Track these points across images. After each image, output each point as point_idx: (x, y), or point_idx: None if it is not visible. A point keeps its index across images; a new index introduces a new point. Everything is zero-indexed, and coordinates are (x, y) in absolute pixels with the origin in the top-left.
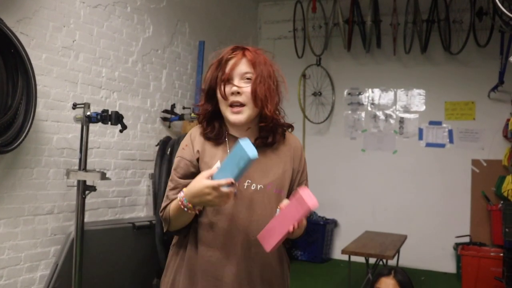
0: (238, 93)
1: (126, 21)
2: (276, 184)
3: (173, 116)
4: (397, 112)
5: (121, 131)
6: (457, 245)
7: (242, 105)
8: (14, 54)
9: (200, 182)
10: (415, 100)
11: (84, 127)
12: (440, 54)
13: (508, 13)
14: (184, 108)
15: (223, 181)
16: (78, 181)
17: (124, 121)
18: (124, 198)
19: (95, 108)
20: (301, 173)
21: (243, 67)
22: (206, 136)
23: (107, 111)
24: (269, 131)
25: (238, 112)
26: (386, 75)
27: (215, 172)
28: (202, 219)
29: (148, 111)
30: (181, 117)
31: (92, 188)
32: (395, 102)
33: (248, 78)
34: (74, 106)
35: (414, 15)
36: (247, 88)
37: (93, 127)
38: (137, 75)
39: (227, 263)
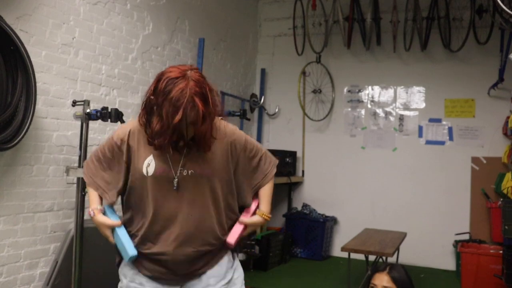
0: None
1: (126, 18)
2: (211, 171)
3: None
4: (397, 110)
5: None
6: (456, 243)
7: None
8: (13, 51)
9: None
10: (415, 98)
11: (84, 124)
12: (440, 51)
13: (508, 10)
14: None
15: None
16: (78, 178)
17: (124, 118)
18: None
19: (94, 105)
20: (246, 150)
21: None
22: (153, 145)
23: (106, 108)
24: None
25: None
26: (386, 73)
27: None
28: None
29: None
30: None
31: None
32: (395, 99)
33: (191, 121)
34: (74, 103)
35: (414, 13)
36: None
37: (93, 124)
38: (137, 72)
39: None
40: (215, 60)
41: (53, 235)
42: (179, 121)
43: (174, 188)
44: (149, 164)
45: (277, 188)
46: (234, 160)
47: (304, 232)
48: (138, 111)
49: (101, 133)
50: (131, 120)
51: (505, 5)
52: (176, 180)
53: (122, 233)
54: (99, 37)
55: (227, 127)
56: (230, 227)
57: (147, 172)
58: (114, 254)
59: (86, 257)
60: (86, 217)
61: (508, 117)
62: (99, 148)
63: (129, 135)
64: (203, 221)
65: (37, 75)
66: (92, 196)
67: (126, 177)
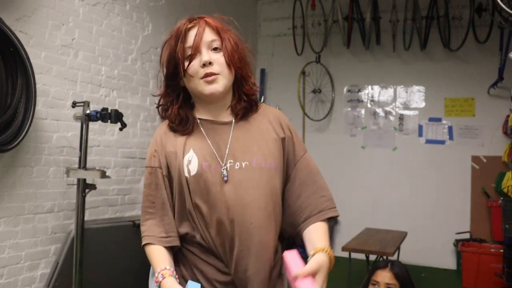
0: (210, 63)
1: (125, 19)
2: (264, 157)
3: None
4: (397, 109)
5: (120, 129)
6: (457, 242)
7: (215, 74)
8: (13, 53)
9: None
10: (414, 97)
11: (84, 125)
12: (439, 50)
13: (508, 9)
14: None
15: None
16: (78, 180)
17: (124, 119)
18: (124, 196)
19: (94, 106)
20: (293, 143)
21: (208, 35)
22: (173, 129)
23: (106, 109)
24: (243, 100)
25: (213, 81)
26: (385, 72)
27: None
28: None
29: (147, 109)
30: None
31: (92, 187)
32: (394, 99)
33: (215, 48)
34: (74, 104)
35: (413, 12)
36: (217, 57)
37: (93, 125)
38: (137, 73)
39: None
40: None
41: (54, 237)
42: (183, 46)
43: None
44: (189, 161)
45: None
46: (285, 151)
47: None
48: (138, 113)
49: (101, 134)
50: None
51: (504, 4)
52: (225, 175)
53: None
54: (99, 38)
55: (266, 107)
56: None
57: (188, 171)
58: (116, 254)
59: (86, 258)
60: (86, 218)
61: (508, 116)
62: (143, 193)
63: (157, 145)
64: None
65: (36, 77)
66: (155, 254)
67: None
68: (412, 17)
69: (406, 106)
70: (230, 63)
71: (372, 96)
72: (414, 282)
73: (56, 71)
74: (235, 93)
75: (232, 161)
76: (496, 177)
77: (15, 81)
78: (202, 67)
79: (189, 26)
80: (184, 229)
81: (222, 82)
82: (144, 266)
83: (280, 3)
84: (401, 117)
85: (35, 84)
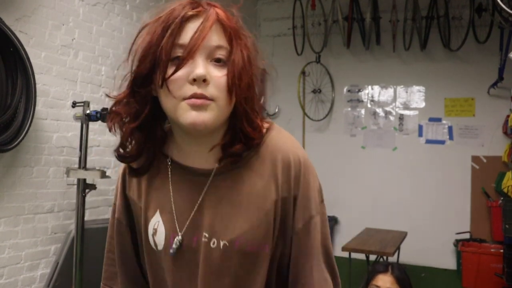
0: (204, 80)
1: (125, 19)
2: (251, 237)
3: None
4: (397, 109)
5: None
6: (457, 242)
7: (207, 99)
8: (13, 53)
9: None
10: (414, 97)
11: (84, 125)
12: (439, 50)
13: (508, 9)
14: None
15: None
16: (78, 180)
17: None
18: None
19: (94, 107)
20: (298, 205)
21: (214, 37)
22: (119, 157)
23: (106, 109)
24: (238, 141)
25: (201, 107)
26: (385, 72)
27: None
28: None
29: None
30: None
31: (92, 187)
32: (394, 99)
33: (218, 59)
34: (74, 104)
35: (413, 12)
36: (218, 74)
37: (93, 125)
38: None
39: None
40: None
41: (54, 237)
42: (172, 41)
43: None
44: (155, 231)
45: None
46: (283, 212)
47: None
48: None
49: (101, 134)
50: None
51: (504, 4)
52: (172, 249)
53: None
54: (99, 38)
55: (275, 138)
56: None
57: (155, 244)
58: None
59: (86, 258)
60: (86, 218)
61: (508, 116)
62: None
63: (123, 177)
64: None
65: (36, 77)
66: None
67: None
68: (412, 17)
69: (406, 106)
70: (232, 88)
71: (372, 96)
72: (414, 282)
73: (56, 71)
74: (230, 129)
75: (207, 235)
76: (496, 177)
77: (15, 81)
78: (192, 83)
79: (190, 14)
80: None
81: (213, 113)
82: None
83: (280, 3)
84: (401, 117)
85: (35, 84)
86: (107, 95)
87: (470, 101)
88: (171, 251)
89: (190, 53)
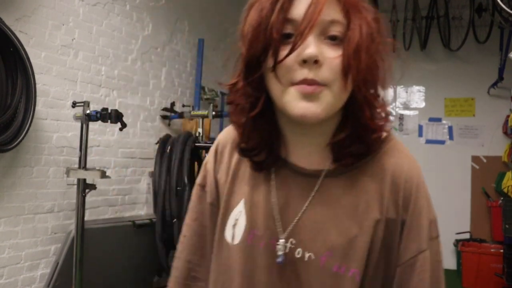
0: (316, 62)
1: (125, 19)
2: (341, 256)
3: (172, 114)
4: (397, 109)
5: (120, 129)
6: (457, 242)
7: (319, 84)
8: (13, 53)
9: None
10: (414, 97)
11: (84, 125)
12: (439, 50)
13: (508, 9)
14: (183, 106)
15: None
16: (78, 180)
17: (124, 119)
18: (124, 196)
19: (94, 107)
20: (405, 233)
21: (329, 10)
22: (243, 151)
23: (106, 109)
24: (356, 138)
25: (311, 95)
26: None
27: None
28: None
29: (147, 109)
30: (180, 115)
31: (92, 187)
32: (394, 98)
33: (333, 36)
34: (74, 104)
35: (413, 12)
36: (333, 54)
37: (93, 125)
38: (137, 73)
39: None
40: (215, 61)
41: (54, 237)
42: (282, 16)
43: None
44: (236, 221)
45: None
46: (386, 236)
47: None
48: (138, 113)
49: (101, 134)
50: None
51: (504, 4)
52: (280, 259)
53: None
54: (99, 38)
55: (390, 150)
56: None
57: (232, 236)
58: (117, 254)
59: (86, 258)
60: (86, 218)
61: (508, 116)
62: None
63: (216, 158)
64: None
65: (36, 77)
66: None
67: None
68: (412, 17)
69: (406, 106)
70: (349, 71)
71: None
72: None
73: (56, 71)
74: (346, 121)
75: (294, 241)
76: (496, 177)
77: (15, 81)
78: (301, 65)
79: None
80: None
81: (326, 102)
82: (144, 265)
83: None
84: (401, 117)
85: (35, 84)
86: (219, 83)
87: (470, 101)
88: (278, 259)
89: (305, 30)
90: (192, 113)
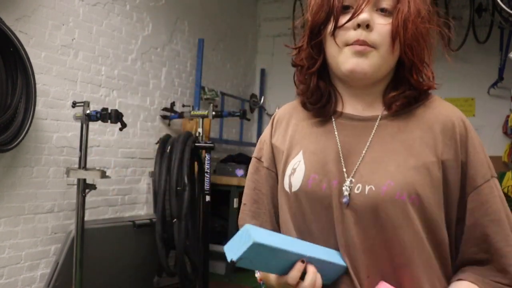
0: (368, 26)
1: (125, 19)
2: (401, 184)
3: (172, 114)
4: None
5: (120, 129)
6: None
7: (369, 46)
8: (13, 53)
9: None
10: None
11: (84, 125)
12: (439, 50)
13: (508, 9)
14: (183, 106)
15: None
16: (78, 180)
17: (124, 119)
18: (124, 196)
19: (94, 107)
20: (464, 171)
21: None
22: (306, 103)
23: (106, 109)
24: (405, 89)
25: (362, 53)
26: None
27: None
28: None
29: (147, 109)
30: (180, 115)
31: (92, 187)
32: None
33: (384, 9)
34: (74, 104)
35: None
36: (382, 22)
37: (93, 125)
38: (137, 73)
39: None
40: (215, 61)
41: (54, 237)
42: None
43: (342, 215)
44: (294, 170)
45: None
46: (446, 184)
47: None
48: (138, 113)
49: (101, 134)
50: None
51: (504, 4)
52: (346, 199)
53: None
54: (99, 38)
55: (438, 101)
56: None
57: (289, 185)
58: (117, 254)
59: (86, 258)
60: (86, 218)
61: (508, 116)
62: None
63: (273, 127)
64: None
65: (36, 77)
66: None
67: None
68: None
69: None
70: (396, 36)
71: None
72: None
73: (56, 71)
74: (396, 78)
75: (353, 180)
76: None
77: (15, 81)
78: (355, 28)
79: None
80: None
81: (373, 60)
82: (144, 265)
83: (280, 3)
84: None
85: (35, 84)
86: (286, 45)
87: (470, 101)
88: (344, 199)
89: (363, 3)
90: (192, 113)
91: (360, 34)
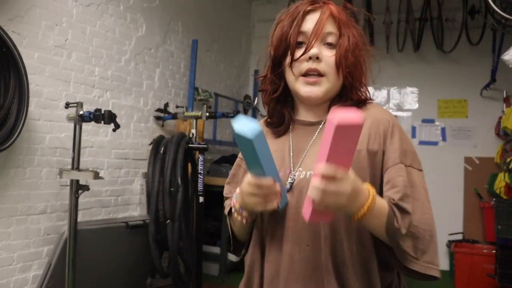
0: (317, 58)
1: (119, 19)
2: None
3: (166, 115)
4: (390, 110)
5: (114, 130)
6: (450, 243)
7: (320, 75)
8: (6, 53)
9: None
10: (408, 98)
11: (77, 126)
12: (432, 52)
13: (500, 11)
14: (177, 107)
15: (264, 180)
16: (71, 181)
17: (117, 120)
18: (117, 197)
19: (88, 107)
20: (385, 156)
21: (327, 25)
22: (268, 124)
23: (100, 110)
24: (347, 100)
25: (314, 83)
26: (379, 73)
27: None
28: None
29: (141, 110)
30: (174, 116)
31: (85, 188)
32: (388, 100)
33: (330, 43)
34: (67, 105)
35: (407, 14)
36: (329, 54)
37: (86, 126)
38: (130, 74)
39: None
40: (208, 62)
41: (47, 238)
42: (297, 29)
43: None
44: None
45: None
46: (373, 169)
47: None
48: (132, 113)
49: (94, 135)
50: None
51: (497, 6)
52: (289, 182)
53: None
54: (92, 39)
55: (372, 107)
56: None
57: None
58: (110, 255)
59: (79, 259)
60: (79, 219)
61: (500, 117)
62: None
63: None
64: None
65: (29, 77)
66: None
67: None
68: (405, 18)
69: (399, 107)
70: (339, 66)
71: None
72: (407, 283)
73: (49, 71)
74: (340, 94)
75: (301, 169)
76: (488, 178)
77: (7, 82)
78: (308, 60)
79: (309, 9)
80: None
81: (324, 86)
82: (137, 267)
83: (274, 4)
84: None
85: (28, 84)
86: (254, 75)
87: (463, 103)
88: (287, 186)
89: (311, 39)
90: (185, 114)
91: (311, 64)
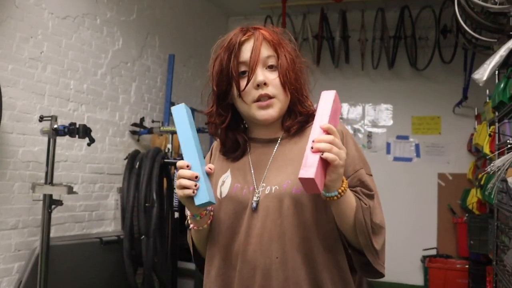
0: (265, 83)
1: (96, 33)
2: (298, 183)
3: (142, 129)
4: (365, 127)
5: (89, 144)
6: (424, 258)
7: (270, 97)
8: None
9: None
10: (382, 115)
11: (51, 140)
12: (406, 69)
13: (471, 31)
14: (153, 121)
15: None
16: (44, 195)
17: (92, 134)
18: (91, 212)
19: (62, 121)
20: (349, 161)
21: (264, 50)
22: (224, 152)
23: (74, 124)
24: (297, 116)
25: (267, 106)
26: (354, 90)
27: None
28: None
29: (116, 124)
30: (150, 131)
31: (59, 203)
32: (363, 116)
33: (271, 65)
34: (41, 118)
35: (381, 31)
36: (273, 77)
37: (60, 140)
38: (106, 88)
39: None
40: (185, 76)
41: (17, 254)
42: (236, 61)
43: (252, 211)
44: (223, 182)
45: None
46: None
47: None
48: (107, 128)
49: (69, 149)
50: None
51: (467, 26)
52: (255, 200)
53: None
54: (68, 51)
55: None
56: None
57: (220, 193)
58: (83, 272)
59: (52, 276)
60: (52, 234)
61: (472, 134)
62: None
63: (212, 153)
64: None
65: (3, 90)
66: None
67: None
68: (380, 36)
69: (374, 124)
70: (285, 84)
71: (341, 114)
72: None
73: (23, 84)
74: (290, 111)
75: (264, 184)
76: (461, 194)
77: None
78: (256, 88)
79: (243, 39)
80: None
81: (277, 107)
82: (111, 283)
83: (250, 20)
84: (369, 135)
85: (1, 97)
86: (202, 112)
87: (436, 119)
88: (253, 204)
89: (252, 68)
90: (161, 128)
91: (261, 90)
